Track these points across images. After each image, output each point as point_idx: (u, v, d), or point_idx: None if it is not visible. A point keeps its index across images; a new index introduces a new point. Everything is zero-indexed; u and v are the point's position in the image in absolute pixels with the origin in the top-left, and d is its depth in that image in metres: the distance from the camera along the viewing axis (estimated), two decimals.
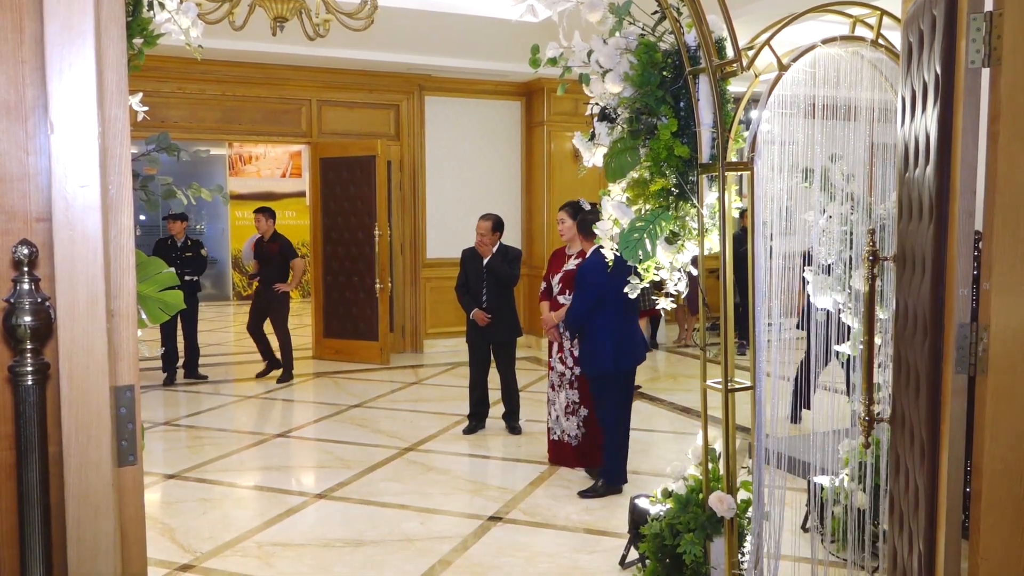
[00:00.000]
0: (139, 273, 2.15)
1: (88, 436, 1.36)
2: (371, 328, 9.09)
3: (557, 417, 5.32)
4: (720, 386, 3.06)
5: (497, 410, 6.35)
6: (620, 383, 4.85)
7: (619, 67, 3.02)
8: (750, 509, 3.11)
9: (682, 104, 2.99)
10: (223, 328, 12.81)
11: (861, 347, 2.98)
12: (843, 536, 3.49)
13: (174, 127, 8.57)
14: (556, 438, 5.36)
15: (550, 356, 5.31)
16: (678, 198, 3.04)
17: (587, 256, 4.90)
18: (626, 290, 3.26)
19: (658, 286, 3.24)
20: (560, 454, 5.37)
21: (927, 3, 1.98)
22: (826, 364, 3.46)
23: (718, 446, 3.19)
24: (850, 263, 3.44)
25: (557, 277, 5.30)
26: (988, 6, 1.72)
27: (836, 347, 3.57)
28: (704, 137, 2.97)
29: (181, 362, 8.27)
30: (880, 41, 3.17)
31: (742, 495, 3.16)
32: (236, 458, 5.69)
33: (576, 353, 5.08)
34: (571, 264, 5.20)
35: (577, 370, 5.10)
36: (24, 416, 1.26)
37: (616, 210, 3.17)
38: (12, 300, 1.24)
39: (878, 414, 2.68)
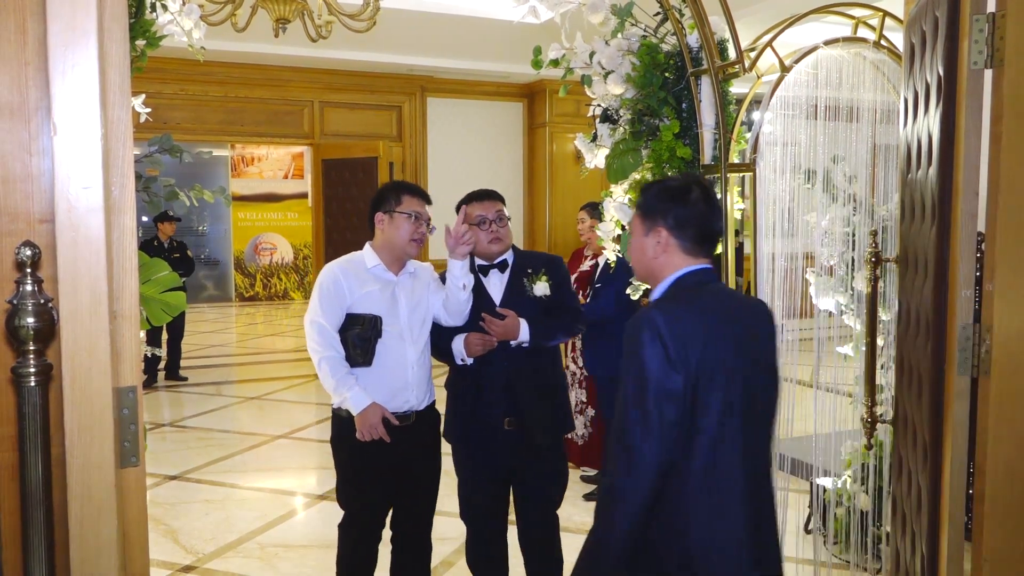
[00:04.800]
0: (141, 275, 2.15)
1: (90, 437, 1.36)
2: None
3: None
4: None
5: None
6: None
7: (621, 68, 3.02)
8: None
9: (684, 105, 2.99)
10: (226, 329, 12.83)
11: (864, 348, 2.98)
12: (846, 538, 3.49)
13: (176, 128, 8.59)
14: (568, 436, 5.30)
15: (564, 356, 5.26)
16: None
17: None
18: (628, 291, 3.26)
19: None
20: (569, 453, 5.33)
21: (929, 4, 1.98)
22: None
23: None
24: (852, 264, 3.44)
25: (572, 277, 5.20)
26: (991, 7, 1.72)
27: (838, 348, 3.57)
28: (706, 138, 2.97)
29: (162, 364, 8.28)
30: (882, 42, 3.17)
31: None
32: (239, 459, 5.69)
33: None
34: (586, 265, 5.15)
35: (586, 370, 5.07)
36: (27, 417, 1.26)
37: (618, 211, 3.17)
38: (15, 301, 1.24)
39: (881, 415, 2.68)
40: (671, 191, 1.91)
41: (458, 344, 2.94)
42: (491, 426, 2.95)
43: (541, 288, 2.98)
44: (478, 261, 3.00)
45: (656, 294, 1.93)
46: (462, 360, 2.96)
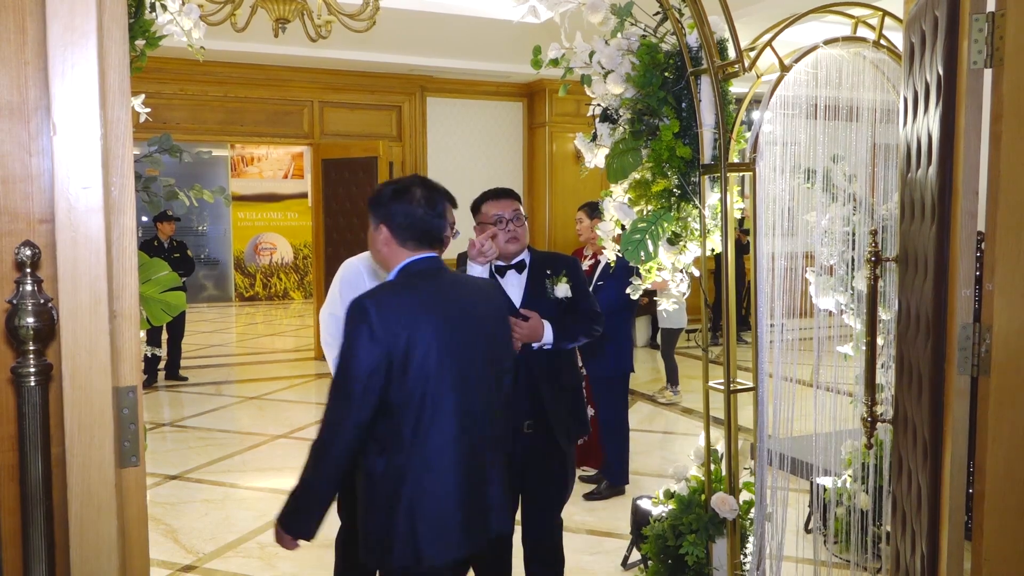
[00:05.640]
0: (141, 274, 2.15)
1: (90, 437, 1.36)
2: None
3: None
4: (722, 387, 3.05)
5: None
6: (626, 383, 4.91)
7: (621, 68, 3.02)
8: (752, 510, 3.10)
9: (684, 105, 2.99)
10: (226, 329, 12.82)
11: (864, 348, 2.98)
12: (846, 537, 3.49)
13: (176, 128, 8.58)
14: None
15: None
16: (680, 199, 3.04)
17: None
18: (628, 291, 3.26)
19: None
20: None
21: (929, 4, 1.98)
22: None
23: (720, 447, 3.18)
24: (852, 264, 3.44)
25: None
26: (990, 6, 1.72)
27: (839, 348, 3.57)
28: (706, 138, 2.97)
29: (162, 364, 8.29)
30: (882, 42, 3.17)
31: (744, 496, 3.16)
32: (239, 459, 5.69)
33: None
34: (585, 265, 5.12)
35: (584, 370, 5.05)
36: (27, 417, 1.26)
37: (618, 211, 3.17)
38: (15, 301, 1.24)
39: (881, 415, 2.68)
40: (393, 194, 2.14)
41: None
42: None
43: (563, 289, 2.95)
44: (495, 262, 2.94)
45: (388, 280, 2.17)
46: None
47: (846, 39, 3.13)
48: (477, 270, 2.79)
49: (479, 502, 2.10)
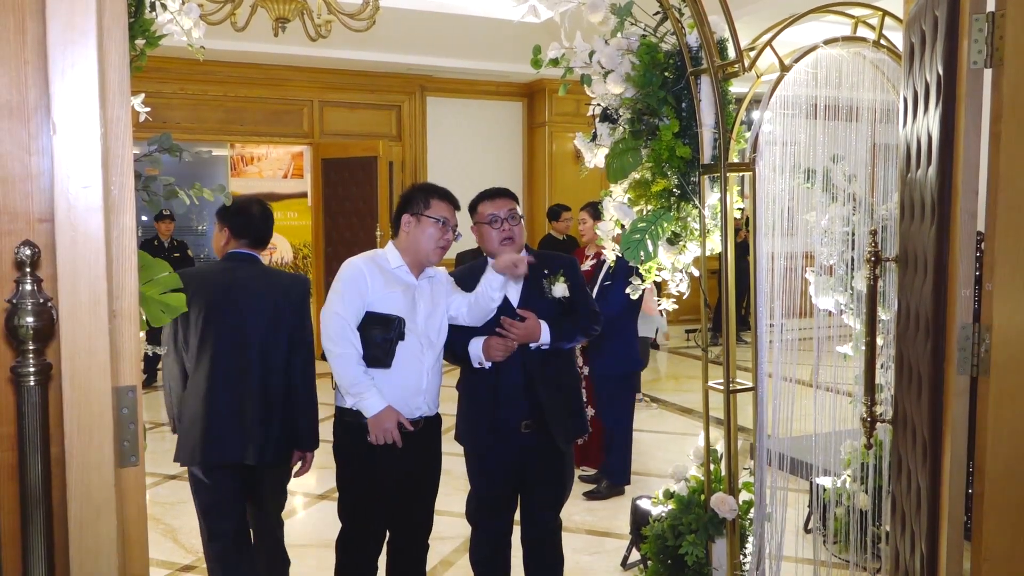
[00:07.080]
0: (142, 275, 2.15)
1: (90, 437, 1.36)
2: None
3: None
4: (722, 387, 3.06)
5: None
6: (632, 382, 4.91)
7: (621, 68, 3.02)
8: (752, 510, 3.10)
9: (684, 105, 2.99)
10: None
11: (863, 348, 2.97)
12: (845, 537, 3.49)
13: (176, 128, 8.58)
14: None
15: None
16: (680, 199, 3.04)
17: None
18: (628, 291, 3.26)
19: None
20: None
21: (929, 4, 1.98)
22: None
23: (720, 447, 3.18)
24: (852, 264, 3.44)
25: None
26: (990, 6, 1.72)
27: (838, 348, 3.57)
28: (706, 138, 2.97)
29: (161, 363, 8.28)
30: (882, 42, 3.17)
31: (744, 496, 3.16)
32: None
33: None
34: (587, 265, 5.10)
35: (586, 369, 5.04)
36: (26, 417, 1.26)
37: (618, 211, 3.17)
38: (14, 301, 1.24)
39: (880, 415, 2.68)
40: (235, 206, 3.03)
41: (475, 347, 2.90)
42: (508, 429, 2.94)
43: (560, 289, 2.96)
44: (491, 261, 2.94)
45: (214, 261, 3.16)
46: (479, 363, 2.92)
47: (846, 39, 3.13)
48: (499, 280, 2.80)
49: (233, 430, 2.88)
